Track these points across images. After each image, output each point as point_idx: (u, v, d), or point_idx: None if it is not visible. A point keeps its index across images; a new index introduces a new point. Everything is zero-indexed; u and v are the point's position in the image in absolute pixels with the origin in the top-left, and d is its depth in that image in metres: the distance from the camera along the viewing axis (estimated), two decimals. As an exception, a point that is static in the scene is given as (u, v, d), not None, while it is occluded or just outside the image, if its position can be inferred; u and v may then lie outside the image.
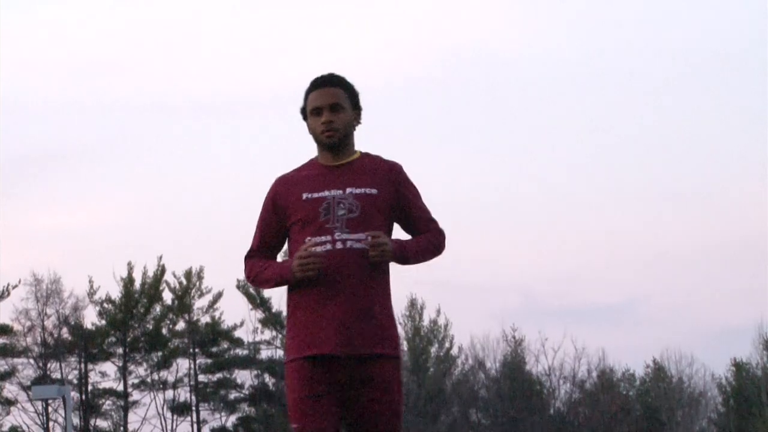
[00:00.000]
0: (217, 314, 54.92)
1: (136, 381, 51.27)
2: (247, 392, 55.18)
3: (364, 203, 4.64)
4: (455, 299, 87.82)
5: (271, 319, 54.62)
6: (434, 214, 5.02)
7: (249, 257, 4.81)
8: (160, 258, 52.29)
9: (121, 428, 51.75)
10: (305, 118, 4.80)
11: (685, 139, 78.42)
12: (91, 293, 51.12)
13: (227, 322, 55.38)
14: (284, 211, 4.72)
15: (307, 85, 4.86)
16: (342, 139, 4.72)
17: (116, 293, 51.20)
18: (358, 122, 4.86)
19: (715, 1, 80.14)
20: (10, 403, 50.85)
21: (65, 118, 70.74)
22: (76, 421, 47.29)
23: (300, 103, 4.84)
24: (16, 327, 50.37)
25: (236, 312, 64.77)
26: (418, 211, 4.85)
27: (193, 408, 53.82)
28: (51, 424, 49.49)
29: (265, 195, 4.81)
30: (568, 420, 59.06)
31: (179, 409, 53.50)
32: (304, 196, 4.68)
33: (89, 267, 79.27)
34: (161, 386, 53.04)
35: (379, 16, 78.48)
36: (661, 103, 79.38)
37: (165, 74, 71.99)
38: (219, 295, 54.76)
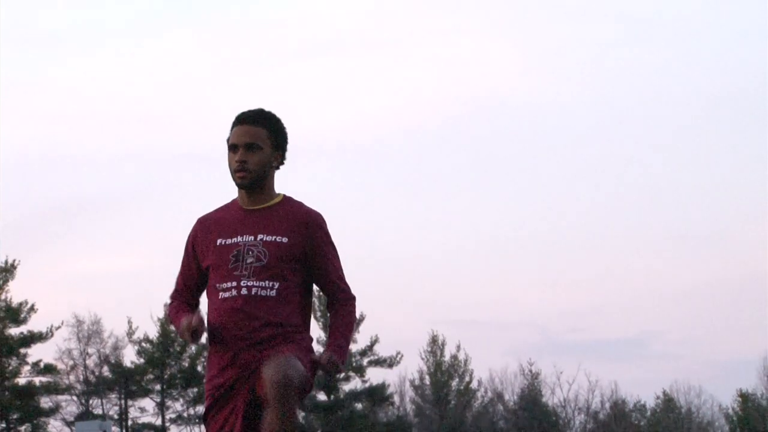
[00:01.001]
0: None
1: (173, 416, 51.46)
2: None
3: (272, 251, 4.38)
4: (475, 336, 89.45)
5: None
6: (346, 279, 4.63)
7: (172, 298, 4.59)
8: None
9: None
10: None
11: (692, 185, 79.39)
12: (130, 333, 51.73)
13: None
14: (200, 255, 4.50)
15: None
16: (255, 180, 4.45)
17: (154, 333, 51.46)
18: (279, 164, 4.55)
19: (715, 49, 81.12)
20: None
21: (104, 170, 71.87)
22: None
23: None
24: (60, 366, 50.53)
25: None
26: (329, 270, 4.52)
27: None
28: (94, 458, 49.78)
29: (187, 236, 4.57)
30: None
31: None
32: (218, 241, 4.45)
33: (128, 308, 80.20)
34: (197, 420, 52.39)
35: (404, 68, 79.41)
36: (669, 150, 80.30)
37: (195, 128, 72.98)
38: None
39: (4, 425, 49.26)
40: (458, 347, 59.55)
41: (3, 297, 49.88)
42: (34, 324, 49.73)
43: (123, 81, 72.00)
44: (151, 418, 50.83)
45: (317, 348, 5.37)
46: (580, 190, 78.68)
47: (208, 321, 4.38)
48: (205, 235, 4.45)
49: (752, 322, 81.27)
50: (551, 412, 59.84)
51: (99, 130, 73.02)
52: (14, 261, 51.06)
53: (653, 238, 79.28)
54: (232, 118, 4.50)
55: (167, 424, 51.18)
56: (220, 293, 4.37)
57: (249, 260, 4.36)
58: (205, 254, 4.43)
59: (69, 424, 49.52)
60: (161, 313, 51.70)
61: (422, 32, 79.02)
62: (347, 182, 77.64)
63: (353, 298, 4.58)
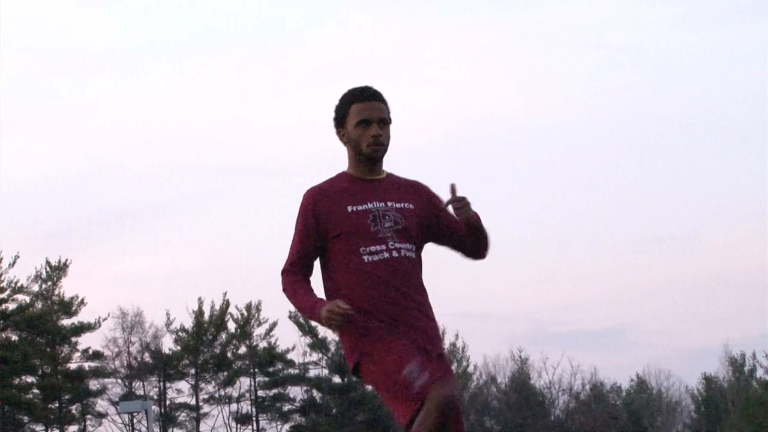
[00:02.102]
0: (272, 340, 55.76)
1: (206, 396, 52.47)
2: (298, 405, 55.98)
3: (405, 216, 4.19)
4: (471, 326, 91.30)
5: (317, 344, 55.91)
6: None
7: (288, 272, 4.25)
8: (225, 294, 53.45)
9: None
10: (340, 125, 4.26)
11: (666, 194, 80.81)
12: (168, 324, 52.65)
13: (281, 346, 55.96)
14: (327, 223, 4.18)
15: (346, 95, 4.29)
16: (384, 154, 4.29)
17: (189, 324, 52.73)
18: None
19: (685, 73, 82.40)
20: (101, 416, 52.24)
21: (145, 181, 73.81)
22: (156, 430, 48.46)
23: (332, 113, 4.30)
24: (106, 352, 51.69)
25: (289, 338, 67.03)
26: (452, 223, 4.33)
27: (254, 418, 54.63)
28: (135, 433, 51.14)
29: (301, 208, 4.23)
30: (566, 426, 59.84)
31: (242, 419, 54.45)
32: (350, 208, 4.18)
33: (166, 302, 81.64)
34: (227, 400, 54.18)
35: (409, 90, 78.86)
36: (647, 163, 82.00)
37: (226, 145, 74.54)
38: (274, 325, 55.63)
39: (57, 405, 50.60)
40: (456, 336, 60.78)
41: (56, 292, 51.51)
42: (84, 316, 51.54)
43: (162, 102, 73.43)
44: (186, 398, 51.94)
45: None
46: (568, 199, 79.92)
47: (349, 285, 4.10)
48: (329, 204, 4.18)
49: (716, 315, 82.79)
50: (538, 393, 60.74)
51: (142, 145, 74.47)
52: (66, 260, 52.41)
53: (631, 240, 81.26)
54: (349, 96, 4.21)
55: (201, 404, 52.29)
56: (366, 257, 4.11)
57: (387, 224, 4.16)
58: (335, 222, 4.15)
59: (114, 403, 50.63)
60: (195, 306, 53.06)
61: (425, 59, 79.33)
62: None
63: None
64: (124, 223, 73.73)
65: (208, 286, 74.15)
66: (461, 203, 4.14)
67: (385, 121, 4.20)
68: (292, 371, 56.09)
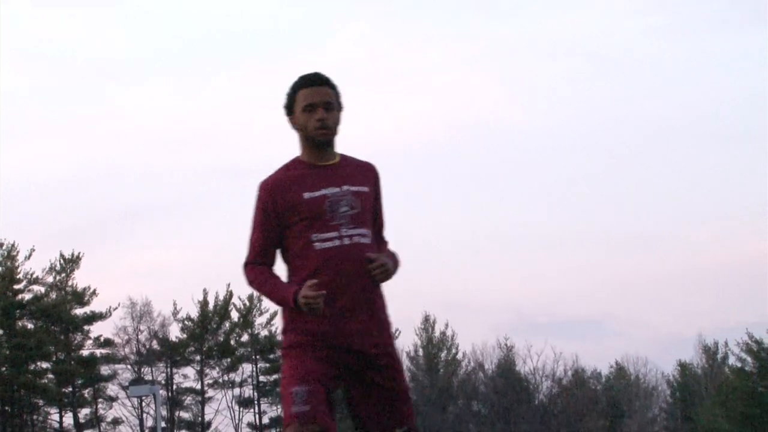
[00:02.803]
0: (273, 329, 55.65)
1: (210, 381, 53.11)
2: None
3: (361, 200, 4.06)
4: (461, 316, 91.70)
5: None
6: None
7: (251, 263, 4.11)
8: (229, 285, 53.94)
9: (200, 419, 53.47)
10: (290, 112, 4.13)
11: (639, 196, 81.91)
12: (175, 313, 53.30)
13: (279, 334, 56.08)
14: (285, 212, 4.05)
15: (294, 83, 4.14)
16: (332, 137, 4.11)
17: (195, 313, 53.29)
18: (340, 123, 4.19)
19: (659, 81, 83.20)
20: (112, 399, 52.79)
21: (153, 181, 74.42)
22: (164, 413, 49.02)
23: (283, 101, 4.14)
24: (117, 340, 52.44)
25: None
26: (382, 217, 4.22)
27: (255, 402, 54.88)
28: (144, 415, 51.66)
29: (258, 200, 4.09)
30: (549, 409, 60.42)
31: (244, 403, 54.71)
32: (306, 195, 4.04)
33: (173, 293, 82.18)
34: (230, 385, 54.68)
35: (403, 94, 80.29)
36: (624, 167, 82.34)
37: (231, 145, 75.01)
38: (275, 314, 54.10)
39: (70, 389, 51.24)
40: (446, 325, 61.49)
41: (70, 283, 52.08)
42: (96, 305, 52.08)
43: (171, 108, 74.34)
44: (192, 383, 52.63)
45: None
46: (551, 199, 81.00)
47: (303, 275, 3.97)
48: (285, 193, 4.05)
49: (690, 307, 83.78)
50: (523, 378, 61.51)
51: (152, 148, 75.38)
52: (79, 253, 53.24)
53: (610, 238, 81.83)
54: (296, 82, 4.09)
55: (206, 388, 52.94)
56: (317, 243, 3.98)
57: (343, 209, 4.02)
58: (293, 210, 4.02)
59: (124, 388, 51.22)
60: (201, 297, 53.52)
61: (419, 67, 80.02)
62: None
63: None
64: (134, 219, 74.65)
65: (212, 278, 75.13)
66: (380, 270, 3.99)
67: (330, 106, 4.07)
68: None
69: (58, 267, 52.57)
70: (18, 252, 50.74)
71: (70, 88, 76.02)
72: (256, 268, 4.08)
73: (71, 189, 73.07)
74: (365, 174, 4.14)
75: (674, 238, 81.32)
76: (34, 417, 51.32)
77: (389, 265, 4.00)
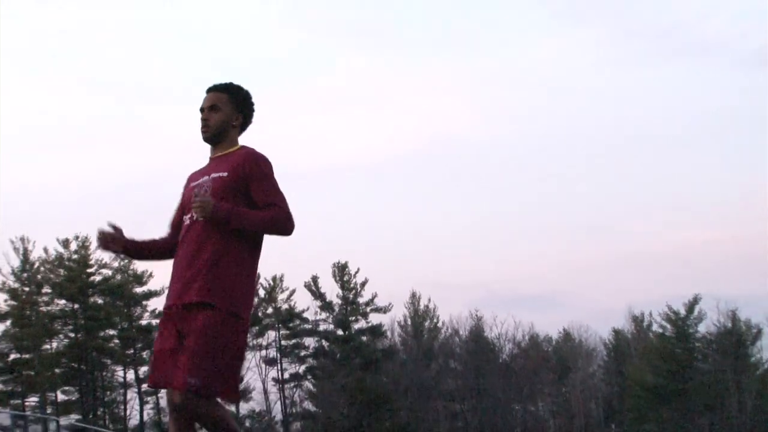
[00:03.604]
0: (292, 303, 60.39)
1: None
2: (311, 351, 60.38)
3: (214, 185, 4.13)
4: (441, 292, 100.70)
5: (325, 306, 60.11)
6: (284, 203, 4.14)
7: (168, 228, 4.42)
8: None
9: None
10: None
11: (587, 195, 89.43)
12: None
13: (298, 307, 60.53)
14: (183, 198, 4.35)
15: None
16: (214, 135, 4.24)
17: None
18: (241, 124, 4.28)
19: (604, 101, 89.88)
20: None
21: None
22: None
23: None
24: None
25: (304, 302, 74.60)
26: (259, 194, 4.12)
27: (278, 362, 58.93)
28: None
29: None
30: (510, 366, 65.49)
31: (269, 362, 59.01)
32: (191, 184, 4.30)
33: None
34: (258, 348, 59.03)
35: (392, 113, 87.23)
36: (571, 171, 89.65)
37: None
38: (293, 291, 60.74)
39: (132, 351, 54.93)
40: (429, 300, 66.24)
41: (131, 267, 55.68)
42: (152, 285, 55.76)
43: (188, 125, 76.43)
44: None
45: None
46: (513, 199, 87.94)
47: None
48: (186, 182, 4.35)
49: (622, 284, 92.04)
50: (490, 342, 66.11)
51: (190, 158, 79.86)
52: None
53: (561, 230, 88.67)
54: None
55: None
56: (184, 224, 4.20)
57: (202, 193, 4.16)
58: (184, 196, 4.31)
59: None
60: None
61: (404, 91, 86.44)
62: (351, 193, 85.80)
63: (284, 210, 4.13)
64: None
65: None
66: (195, 203, 4.04)
67: (213, 107, 4.22)
68: (306, 326, 60.07)
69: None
70: (90, 243, 53.88)
71: (126, 107, 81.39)
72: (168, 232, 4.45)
73: (133, 191, 77.00)
74: (235, 162, 4.16)
75: (610, 230, 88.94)
76: (104, 374, 54.68)
77: (207, 205, 3.98)
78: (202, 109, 4.28)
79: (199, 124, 4.26)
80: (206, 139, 4.27)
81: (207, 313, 3.93)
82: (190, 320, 3.95)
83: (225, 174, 4.14)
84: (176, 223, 4.34)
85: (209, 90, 4.31)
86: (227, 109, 4.25)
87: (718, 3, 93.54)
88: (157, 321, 52.39)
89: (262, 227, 4.05)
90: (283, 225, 4.08)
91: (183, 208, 4.29)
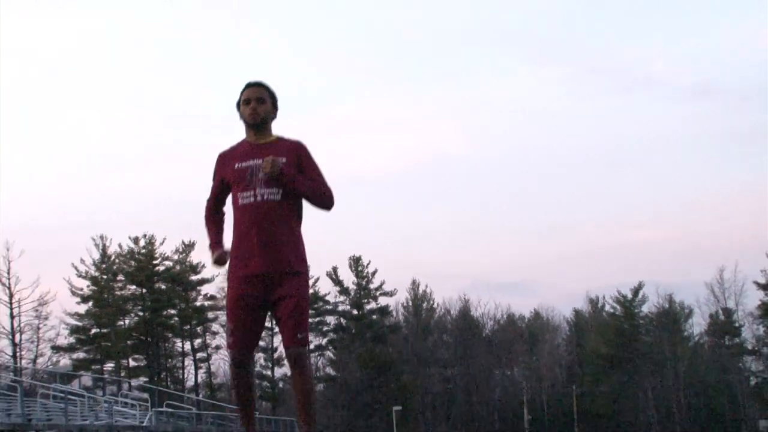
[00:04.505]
0: (316, 288, 65.00)
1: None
2: (332, 327, 65.70)
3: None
4: (436, 280, 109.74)
5: (343, 291, 65.52)
6: (329, 185, 4.60)
7: (208, 202, 4.73)
8: None
9: (270, 346, 60.44)
10: (239, 108, 4.66)
11: (556, 201, 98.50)
12: None
13: (321, 292, 65.87)
14: (224, 177, 4.60)
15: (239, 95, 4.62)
16: (261, 122, 4.59)
17: None
18: (275, 116, 4.65)
19: (572, 125, 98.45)
20: (214, 333, 59.93)
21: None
22: None
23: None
24: (218, 295, 57.86)
25: (326, 287, 74.55)
26: (312, 174, 4.54)
27: None
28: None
29: (214, 165, 4.66)
30: (491, 340, 70.99)
31: None
32: (236, 165, 4.54)
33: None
34: None
35: (390, 135, 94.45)
36: (541, 182, 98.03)
37: None
38: (318, 279, 66.02)
39: (188, 327, 59.62)
40: (427, 285, 71.39)
41: (188, 260, 60.65)
42: (205, 273, 60.68)
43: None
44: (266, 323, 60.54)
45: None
46: (494, 204, 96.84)
47: (233, 221, 4.48)
48: (226, 163, 4.59)
49: (582, 273, 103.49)
50: (476, 320, 70.90)
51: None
52: (193, 241, 61.28)
53: (534, 228, 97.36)
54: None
55: (273, 327, 52.49)
56: (240, 201, 4.47)
57: (260, 175, 4.48)
58: (228, 176, 4.57)
59: (222, 326, 57.50)
60: None
61: (402, 118, 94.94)
62: (364, 201, 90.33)
63: (331, 191, 4.58)
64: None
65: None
66: (268, 164, 4.38)
67: (260, 100, 4.57)
68: (328, 307, 65.25)
69: (180, 249, 60.69)
70: (155, 240, 59.79)
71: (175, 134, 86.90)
72: (209, 208, 4.79)
73: (189, 198, 78.71)
74: (287, 148, 4.58)
75: (572, 229, 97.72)
76: (166, 345, 60.04)
77: (277, 164, 4.36)
78: (247, 100, 4.64)
79: (247, 111, 4.60)
80: (253, 125, 4.62)
81: (300, 279, 4.50)
82: (286, 285, 4.44)
83: (283, 159, 4.52)
84: (220, 197, 4.72)
85: (253, 84, 4.68)
86: (269, 103, 4.66)
87: (660, 49, 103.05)
88: (208, 302, 60.77)
89: (311, 193, 4.51)
90: (329, 198, 4.59)
91: (232, 185, 4.60)
